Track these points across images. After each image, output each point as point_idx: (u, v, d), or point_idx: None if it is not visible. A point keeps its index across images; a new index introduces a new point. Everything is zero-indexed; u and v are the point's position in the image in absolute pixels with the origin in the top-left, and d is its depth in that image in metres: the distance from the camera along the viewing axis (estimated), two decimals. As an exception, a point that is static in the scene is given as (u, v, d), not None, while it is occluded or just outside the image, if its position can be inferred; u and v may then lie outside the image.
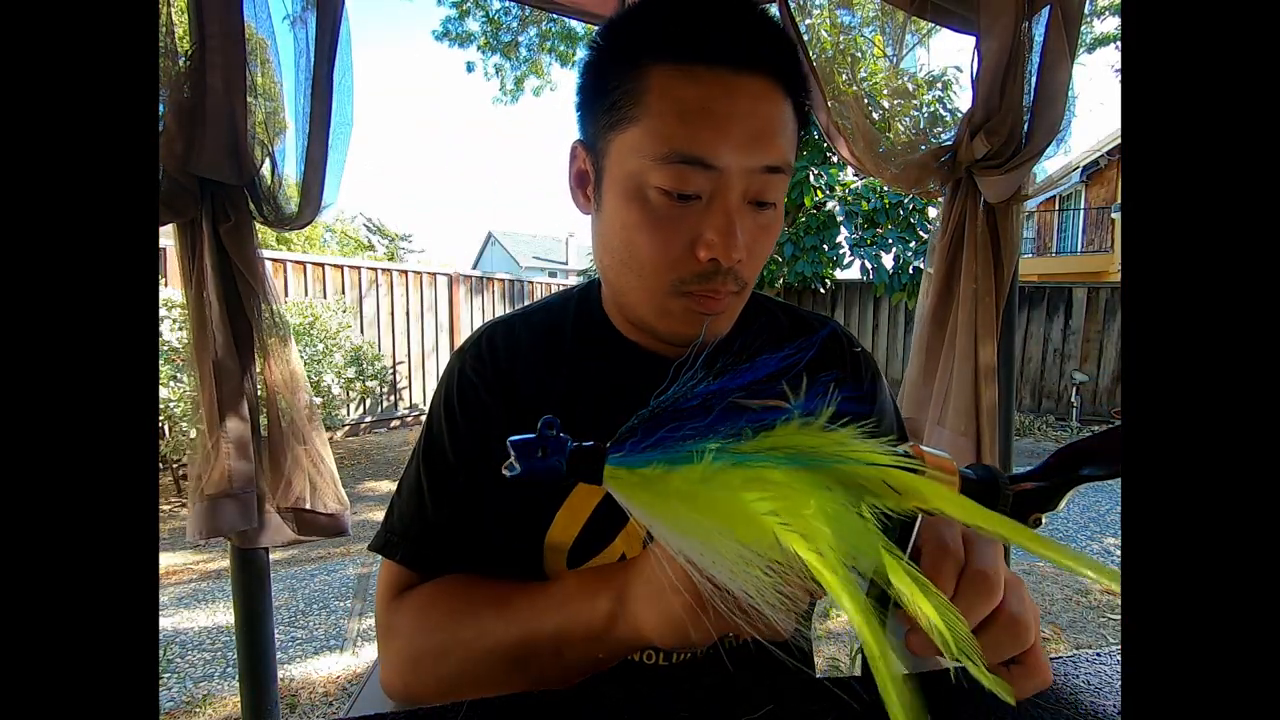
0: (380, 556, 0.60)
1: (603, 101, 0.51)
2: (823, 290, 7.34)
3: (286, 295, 5.04)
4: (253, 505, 1.18)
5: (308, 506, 1.25)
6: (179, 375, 3.39)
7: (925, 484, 0.24)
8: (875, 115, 1.54)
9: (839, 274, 7.15)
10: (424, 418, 0.65)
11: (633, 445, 0.26)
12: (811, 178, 6.62)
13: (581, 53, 8.36)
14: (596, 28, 0.55)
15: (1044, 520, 0.28)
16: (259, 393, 1.22)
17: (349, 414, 5.64)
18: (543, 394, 0.59)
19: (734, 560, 0.24)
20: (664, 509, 0.25)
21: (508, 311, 0.66)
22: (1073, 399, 7.00)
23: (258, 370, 1.21)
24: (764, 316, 0.66)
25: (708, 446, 0.25)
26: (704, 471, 0.24)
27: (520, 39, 8.17)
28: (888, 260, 6.70)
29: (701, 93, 0.47)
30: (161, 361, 3.29)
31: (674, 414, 0.25)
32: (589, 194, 0.56)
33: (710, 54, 0.47)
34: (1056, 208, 14.67)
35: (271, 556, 1.26)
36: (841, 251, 6.89)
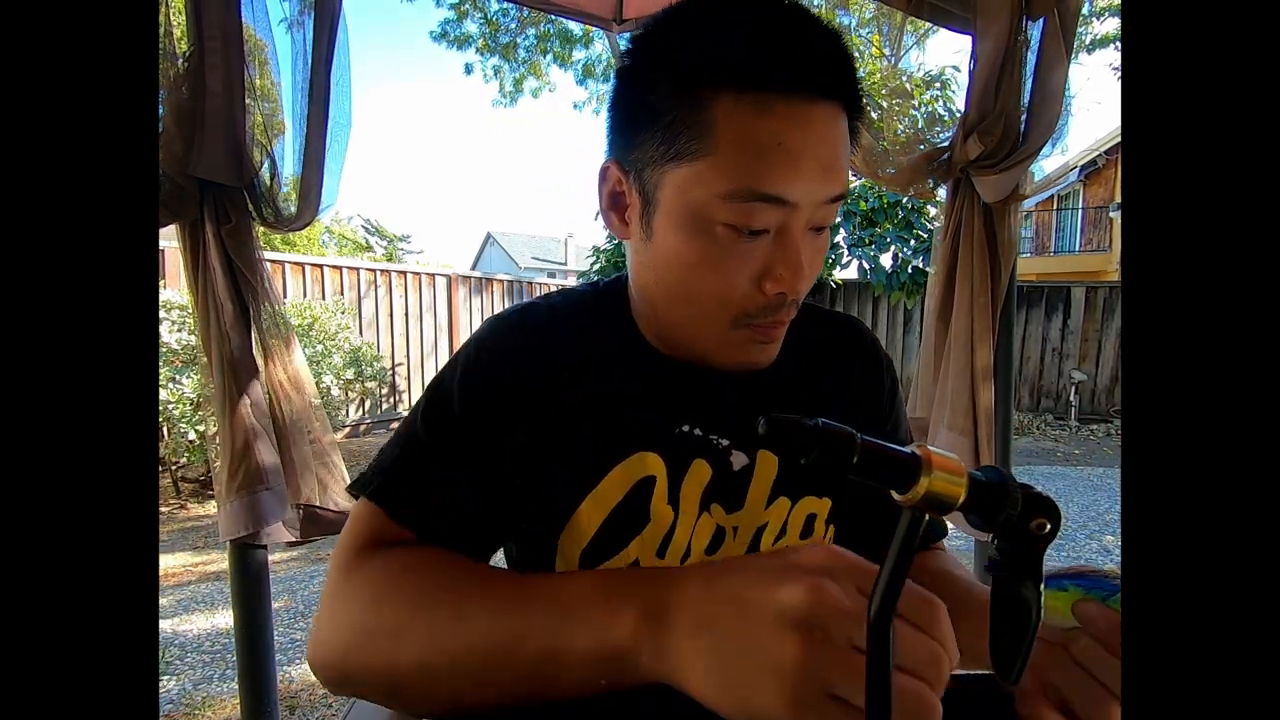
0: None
1: (653, 128, 0.47)
2: (821, 290, 7.34)
3: (285, 296, 5.04)
4: (285, 497, 1.20)
5: (317, 504, 1.26)
6: (177, 377, 3.38)
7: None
8: (874, 115, 1.54)
9: (837, 274, 7.15)
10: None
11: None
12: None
13: (579, 54, 8.36)
14: (628, 37, 0.51)
15: (1047, 527, 0.27)
16: (264, 392, 1.23)
17: (348, 415, 5.62)
18: (562, 390, 0.55)
19: None
20: None
21: (533, 298, 0.62)
22: (1071, 398, 7.00)
23: (262, 369, 1.21)
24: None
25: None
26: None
27: (518, 40, 8.17)
28: (886, 260, 6.70)
29: (775, 126, 0.44)
30: (160, 363, 3.28)
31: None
32: (626, 218, 0.53)
33: (782, 83, 0.44)
34: (1054, 207, 14.68)
35: (270, 558, 1.27)
36: (840, 251, 6.88)
